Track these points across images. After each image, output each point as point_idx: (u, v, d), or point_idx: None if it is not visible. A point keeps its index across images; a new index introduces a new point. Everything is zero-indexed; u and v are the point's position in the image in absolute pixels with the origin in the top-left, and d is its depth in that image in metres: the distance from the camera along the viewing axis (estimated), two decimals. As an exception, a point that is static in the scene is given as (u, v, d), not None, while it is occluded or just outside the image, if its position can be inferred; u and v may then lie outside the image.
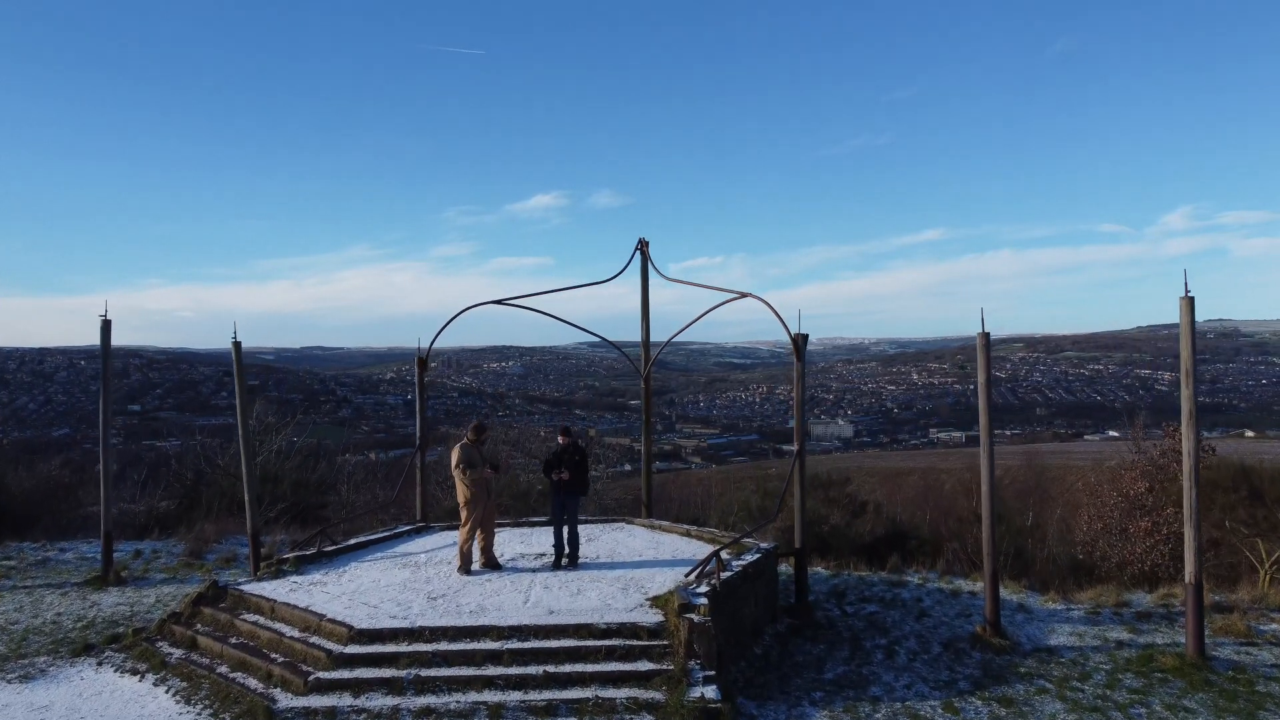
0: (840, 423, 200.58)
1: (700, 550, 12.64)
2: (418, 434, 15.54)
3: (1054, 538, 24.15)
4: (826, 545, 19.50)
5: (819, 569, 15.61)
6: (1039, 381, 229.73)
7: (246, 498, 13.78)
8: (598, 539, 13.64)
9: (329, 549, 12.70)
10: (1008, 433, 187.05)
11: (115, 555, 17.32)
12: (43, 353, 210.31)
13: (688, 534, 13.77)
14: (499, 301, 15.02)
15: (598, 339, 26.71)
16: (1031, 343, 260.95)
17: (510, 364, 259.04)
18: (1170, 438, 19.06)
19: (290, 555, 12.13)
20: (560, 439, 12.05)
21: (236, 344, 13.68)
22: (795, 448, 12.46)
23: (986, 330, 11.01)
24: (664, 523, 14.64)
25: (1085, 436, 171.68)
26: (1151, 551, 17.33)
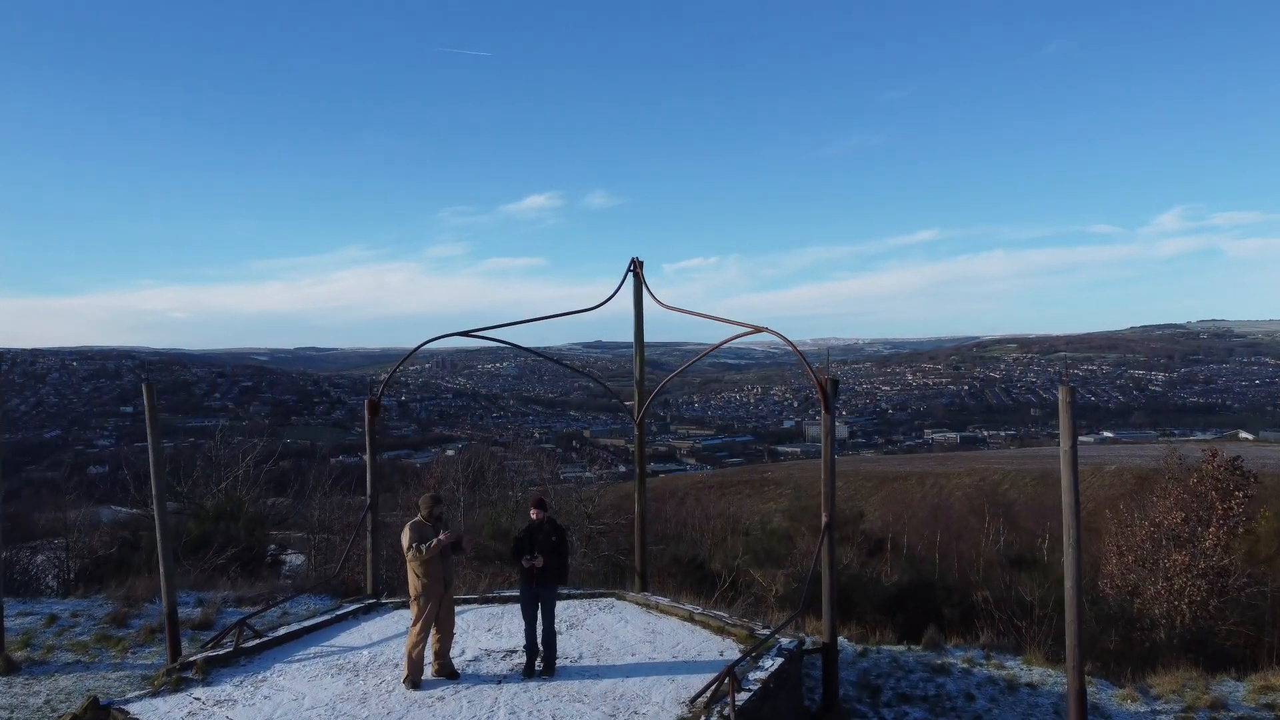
0: (835, 423, 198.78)
1: (707, 644, 10.33)
2: (369, 488, 13.07)
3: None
4: (846, 599, 17.33)
5: (841, 638, 13.36)
6: (1033, 382, 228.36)
7: (162, 570, 11.41)
8: (581, 625, 11.31)
9: (249, 645, 10.31)
10: (1002, 434, 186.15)
11: (28, 619, 14.96)
12: (35, 354, 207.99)
13: (690, 618, 11.39)
14: (466, 333, 12.74)
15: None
16: (1025, 343, 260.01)
17: (504, 365, 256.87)
18: (1210, 463, 17.31)
19: (197, 658, 9.76)
20: (532, 514, 9.63)
21: (148, 385, 11.24)
22: (823, 520, 10.15)
23: (1070, 386, 8.68)
24: (662, 600, 12.25)
25: (1079, 438, 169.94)
26: (1189, 586, 16.04)
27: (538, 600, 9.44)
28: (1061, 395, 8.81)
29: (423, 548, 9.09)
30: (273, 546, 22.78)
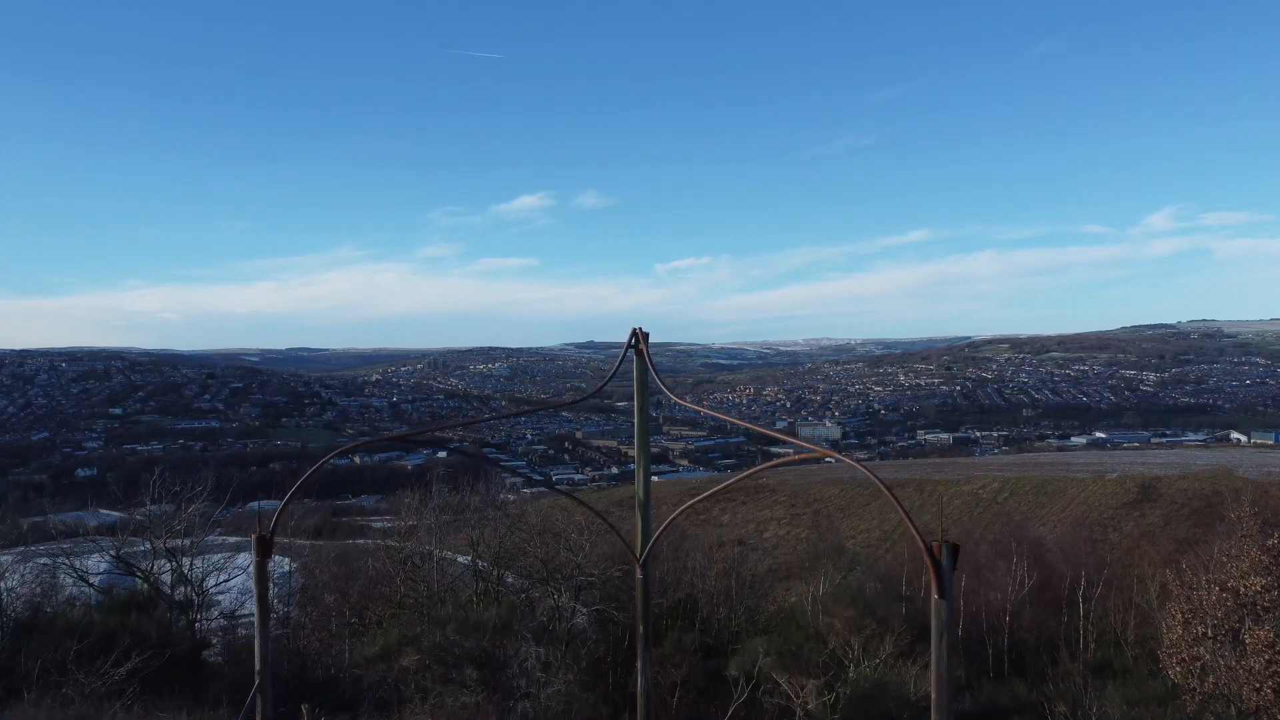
0: (828, 424, 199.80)
1: None
2: (256, 669, 8.64)
3: (1115, 615, 21.48)
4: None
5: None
6: (1025, 383, 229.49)
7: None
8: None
9: None
10: (995, 434, 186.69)
11: None
12: (23, 355, 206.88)
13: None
14: (397, 438, 12.31)
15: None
16: (1017, 343, 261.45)
17: (496, 365, 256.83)
18: None
19: None
20: None
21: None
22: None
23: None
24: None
25: (1072, 439, 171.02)
26: (1271, 667, 13.95)
27: None
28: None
29: None
30: (211, 621, 18.32)
